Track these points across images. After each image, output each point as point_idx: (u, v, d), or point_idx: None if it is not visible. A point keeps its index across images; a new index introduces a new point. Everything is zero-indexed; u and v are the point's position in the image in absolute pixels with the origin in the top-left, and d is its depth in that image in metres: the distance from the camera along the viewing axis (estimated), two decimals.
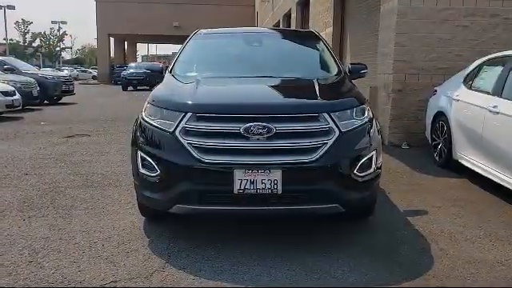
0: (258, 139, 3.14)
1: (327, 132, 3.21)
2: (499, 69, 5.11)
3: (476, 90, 5.44)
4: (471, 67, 5.89)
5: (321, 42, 4.83)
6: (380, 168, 3.54)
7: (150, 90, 17.64)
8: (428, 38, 7.48)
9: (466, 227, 3.87)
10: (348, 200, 3.29)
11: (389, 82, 7.63)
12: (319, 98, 3.45)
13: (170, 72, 4.29)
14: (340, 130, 3.23)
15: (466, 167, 5.38)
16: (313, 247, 3.41)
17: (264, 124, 3.14)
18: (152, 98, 3.60)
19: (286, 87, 3.94)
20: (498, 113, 4.65)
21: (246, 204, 3.18)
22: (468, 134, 5.28)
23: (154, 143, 3.38)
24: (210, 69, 4.35)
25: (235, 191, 3.13)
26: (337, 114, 3.27)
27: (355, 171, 3.27)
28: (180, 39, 45.88)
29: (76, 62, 79.22)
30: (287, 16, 21.47)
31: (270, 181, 3.11)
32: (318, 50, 4.74)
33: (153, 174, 3.33)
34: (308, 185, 3.19)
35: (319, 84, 3.72)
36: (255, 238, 3.59)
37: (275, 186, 3.11)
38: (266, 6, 30.49)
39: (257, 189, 3.11)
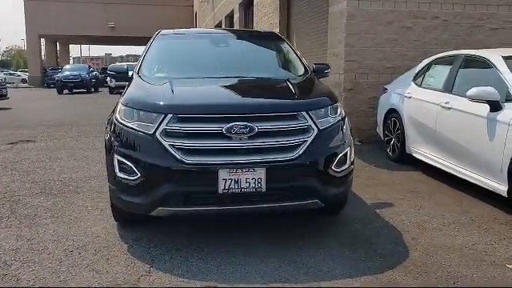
0: (240, 139, 3.17)
1: (306, 130, 3.31)
2: (448, 67, 5.46)
3: (427, 88, 5.77)
4: (420, 66, 6.24)
5: (285, 43, 4.93)
6: (353, 163, 3.68)
7: (88, 93, 17.36)
8: (376, 39, 7.81)
9: (430, 216, 4.11)
10: (327, 195, 3.40)
11: (340, 81, 7.89)
12: (296, 96, 3.54)
13: (138, 73, 4.21)
14: (318, 128, 3.34)
15: (419, 160, 5.70)
16: (294, 242, 3.49)
17: (246, 123, 3.17)
18: (126, 100, 3.53)
19: (262, 87, 4.00)
20: (450, 108, 4.96)
21: (230, 203, 3.20)
22: (421, 129, 5.60)
23: (133, 146, 3.31)
24: (179, 70, 4.31)
25: (220, 191, 3.14)
26: (314, 112, 3.37)
27: (333, 167, 3.38)
28: (116, 40, 44.40)
29: (2, 65, 74.80)
30: (229, 17, 21.54)
31: (254, 179, 3.15)
32: (282, 50, 4.83)
33: (132, 178, 3.27)
34: (290, 182, 3.26)
35: (292, 83, 3.81)
36: (237, 236, 3.62)
37: (259, 185, 3.16)
38: (205, 6, 30.39)
39: (241, 188, 3.15)
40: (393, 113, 6.39)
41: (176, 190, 3.18)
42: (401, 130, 6.11)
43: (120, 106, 3.53)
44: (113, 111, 3.77)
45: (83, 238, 3.65)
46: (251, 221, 3.92)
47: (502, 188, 4.09)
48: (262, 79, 4.16)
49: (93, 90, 28.38)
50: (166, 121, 3.21)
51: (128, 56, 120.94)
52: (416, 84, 6.08)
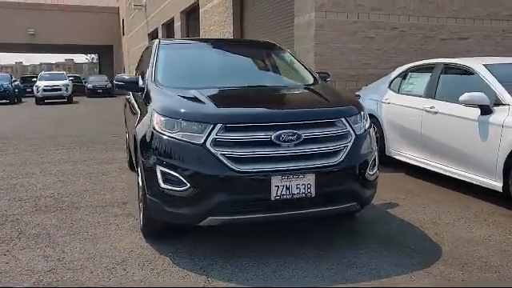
0: (287, 146, 3.26)
1: (345, 136, 3.46)
2: (427, 74, 5.89)
3: (406, 94, 6.18)
4: (395, 74, 6.65)
5: (286, 52, 5.07)
6: (378, 167, 3.90)
7: (11, 103, 16.35)
8: (342, 48, 8.20)
9: (438, 213, 4.42)
10: (364, 198, 3.59)
11: None
12: (332, 104, 3.70)
13: (155, 83, 4.13)
14: (355, 134, 3.51)
15: (400, 162, 6.08)
16: (332, 245, 3.62)
17: (293, 131, 3.27)
18: (164, 111, 3.46)
19: (293, 95, 4.10)
20: (436, 112, 5.37)
21: (282, 210, 3.27)
22: (403, 132, 5.98)
23: (180, 157, 3.28)
24: (199, 80, 4.28)
25: (272, 198, 3.21)
26: (351, 118, 3.55)
27: (368, 171, 3.57)
28: (37, 47, 41.64)
29: None
30: (167, 25, 21.31)
31: (304, 185, 3.25)
32: (286, 59, 4.97)
33: (181, 189, 3.23)
34: (335, 186, 3.40)
35: (318, 91, 3.96)
36: (273, 243, 3.68)
37: (309, 190, 3.26)
38: (136, 13, 29.72)
39: (292, 194, 3.23)
40: (370, 118, 6.72)
41: (228, 199, 3.20)
42: (379, 133, 6.46)
43: (158, 116, 3.46)
44: (126, 125, 3.73)
45: (117, 253, 3.53)
46: (279, 228, 3.99)
47: (497, 184, 4.51)
48: (284, 87, 4.28)
49: (16, 100, 26.65)
50: (215, 130, 3.22)
51: (41, 64, 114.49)
52: (393, 90, 6.47)
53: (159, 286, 2.79)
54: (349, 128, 3.49)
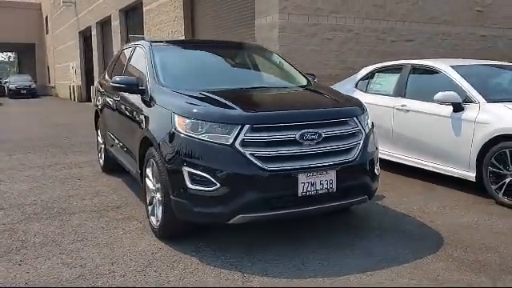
0: (309, 144, 3.45)
1: (358, 134, 3.71)
2: (395, 75, 6.33)
3: (374, 93, 6.58)
4: (361, 74, 7.05)
5: (275, 54, 5.25)
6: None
7: None
8: (303, 50, 8.52)
9: (424, 203, 4.81)
10: (372, 191, 3.86)
11: None
12: (343, 104, 3.92)
13: (160, 85, 4.13)
14: (365, 132, 3.77)
15: None
16: (349, 237, 3.86)
17: (315, 130, 3.46)
18: (187, 113, 3.50)
19: (304, 96, 4.28)
20: (408, 110, 5.80)
21: (307, 205, 3.45)
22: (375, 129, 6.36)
23: (208, 157, 3.35)
24: (201, 82, 4.33)
25: (299, 194, 3.38)
26: (361, 117, 3.80)
27: (375, 166, 3.85)
28: None
29: None
30: (103, 23, 20.63)
31: (326, 181, 3.45)
32: (276, 61, 5.14)
33: (210, 189, 3.31)
34: (352, 181, 3.63)
35: (322, 92, 4.17)
36: (294, 238, 3.85)
37: (331, 185, 3.47)
38: (62, 10, 28.37)
39: (316, 190, 3.42)
40: None
41: (257, 197, 3.32)
42: None
43: (180, 118, 3.49)
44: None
45: (140, 256, 3.52)
46: (288, 224, 4.17)
47: (471, 175, 5.00)
48: (286, 88, 4.45)
49: None
50: (243, 131, 3.32)
51: None
52: (360, 90, 6.86)
53: (163, 286, 2.84)
54: (360, 126, 3.74)
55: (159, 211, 3.78)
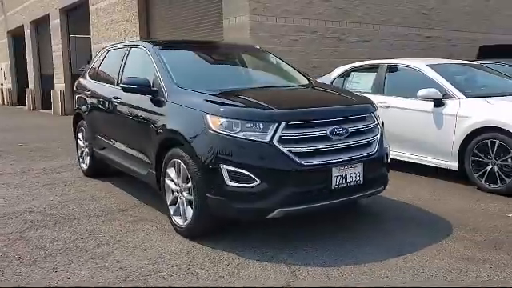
0: (338, 139, 3.66)
1: (375, 129, 3.97)
2: (372, 74, 6.71)
3: (352, 91, 6.91)
4: (336, 74, 7.37)
5: (271, 55, 5.40)
6: None
7: None
8: (272, 50, 8.63)
9: (417, 192, 5.18)
10: (387, 181, 4.14)
11: None
12: (360, 101, 4.16)
13: (177, 86, 4.14)
14: (380, 127, 4.04)
15: None
16: (362, 226, 4.11)
17: (342, 126, 3.68)
18: (223, 113, 3.56)
19: (324, 94, 4.47)
20: (388, 107, 6.19)
21: (338, 197, 3.65)
22: None
23: (247, 155, 3.44)
24: (215, 82, 4.40)
25: (333, 187, 3.57)
26: (375, 113, 4.06)
27: (388, 158, 4.14)
28: None
29: None
30: (38, 22, 19.58)
31: (355, 174, 3.68)
32: (276, 61, 5.30)
33: (250, 185, 3.41)
34: (374, 173, 3.88)
35: (334, 90, 4.39)
36: (320, 230, 4.04)
37: (359, 178, 3.70)
38: None
39: (347, 182, 3.64)
40: None
41: (296, 191, 3.47)
42: None
43: (214, 118, 3.54)
44: (155, 128, 3.88)
45: (178, 256, 3.53)
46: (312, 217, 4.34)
47: (453, 164, 5.46)
48: (300, 87, 4.64)
49: None
50: (280, 128, 3.46)
51: None
52: None
53: (178, 286, 2.96)
54: (376, 122, 4.00)
55: (187, 210, 3.81)
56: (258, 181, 3.40)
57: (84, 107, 6.01)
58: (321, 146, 3.57)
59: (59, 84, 17.08)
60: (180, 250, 3.66)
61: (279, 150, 3.43)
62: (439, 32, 11.86)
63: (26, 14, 20.32)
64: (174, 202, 4.03)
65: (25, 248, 3.76)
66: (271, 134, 3.45)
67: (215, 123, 3.55)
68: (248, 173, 3.41)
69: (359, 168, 3.70)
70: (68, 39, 17.09)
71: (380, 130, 4.02)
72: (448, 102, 5.58)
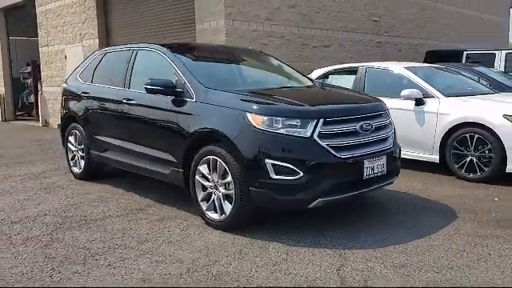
0: (365, 134, 4.03)
1: (389, 125, 4.40)
2: (351, 76, 7.19)
3: None
4: (314, 76, 7.78)
5: (271, 58, 5.69)
6: None
7: None
8: None
9: (409, 183, 5.68)
10: (399, 172, 4.57)
11: None
12: (374, 99, 4.56)
13: (205, 86, 4.30)
14: (392, 123, 4.47)
15: None
16: (376, 216, 4.51)
17: (368, 121, 4.06)
18: (264, 111, 3.80)
19: (344, 94, 4.81)
20: None
21: (369, 186, 4.03)
22: None
23: (290, 149, 3.71)
24: (236, 82, 4.64)
25: (364, 177, 3.94)
26: (388, 111, 4.49)
27: (400, 151, 4.57)
28: None
29: None
30: None
31: (380, 165, 4.07)
32: (278, 64, 5.58)
33: (294, 177, 3.68)
34: (392, 164, 4.29)
35: (347, 90, 4.77)
36: (352, 219, 4.38)
37: (383, 169, 4.10)
38: None
39: (374, 173, 4.02)
40: None
41: (334, 182, 3.80)
42: None
43: (257, 116, 3.77)
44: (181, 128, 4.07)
45: (225, 247, 3.71)
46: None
47: (435, 157, 6.05)
48: (312, 87, 4.96)
49: None
50: (319, 124, 3.77)
51: None
52: None
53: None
54: (390, 119, 4.43)
55: (225, 205, 4.00)
56: (301, 173, 3.68)
57: (79, 110, 5.93)
58: (352, 141, 3.92)
59: None
60: (223, 242, 3.84)
61: (319, 144, 3.74)
62: (387, 38, 12.74)
63: None
64: (206, 198, 4.19)
65: (65, 249, 3.76)
66: (311, 129, 3.74)
67: (257, 121, 3.78)
68: (292, 166, 3.67)
69: (383, 160, 4.09)
70: (7, 41, 16.22)
71: (393, 126, 4.44)
72: (428, 101, 6.16)
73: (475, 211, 4.56)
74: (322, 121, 3.79)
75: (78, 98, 5.99)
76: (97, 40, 11.68)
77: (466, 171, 5.80)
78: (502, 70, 10.38)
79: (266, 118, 3.78)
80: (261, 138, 3.74)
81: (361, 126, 3.98)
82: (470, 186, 5.56)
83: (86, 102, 5.81)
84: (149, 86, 4.45)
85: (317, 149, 3.73)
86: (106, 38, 11.77)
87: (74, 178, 6.23)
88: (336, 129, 3.86)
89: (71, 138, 6.20)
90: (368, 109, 4.22)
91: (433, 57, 11.53)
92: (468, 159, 5.78)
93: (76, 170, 6.20)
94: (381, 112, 4.33)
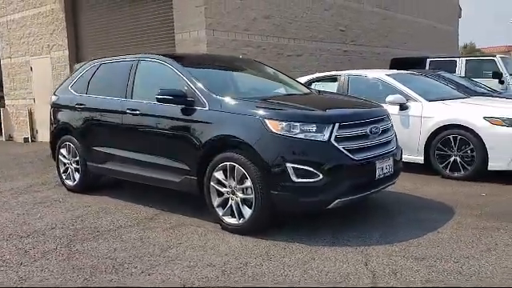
0: (375, 137, 4.28)
1: (391, 128, 4.67)
2: (335, 83, 7.48)
3: None
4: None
5: (267, 66, 5.88)
6: None
7: None
8: None
9: (399, 184, 5.94)
10: (400, 172, 4.84)
11: None
12: (376, 104, 4.82)
13: (216, 95, 4.41)
14: (393, 126, 4.75)
15: None
16: (397, 214, 4.77)
17: (377, 125, 4.31)
18: (282, 117, 3.96)
19: (349, 99, 5.05)
20: None
21: (380, 185, 4.28)
22: None
23: (309, 153, 3.89)
24: (245, 90, 4.79)
25: (376, 177, 4.18)
26: (389, 115, 4.77)
27: (402, 153, 4.85)
28: None
29: None
30: None
31: (388, 166, 4.33)
32: (274, 72, 5.76)
33: (314, 180, 3.86)
34: (396, 164, 4.55)
35: (348, 96, 5.02)
36: (362, 220, 4.59)
37: (390, 169, 4.36)
38: None
39: (384, 173, 4.27)
40: None
41: (352, 183, 4.01)
42: None
43: (275, 122, 3.93)
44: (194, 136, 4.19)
45: (250, 250, 3.81)
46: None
47: (420, 158, 6.41)
48: (309, 93, 5.19)
49: None
50: (335, 129, 3.97)
51: None
52: None
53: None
54: (391, 123, 4.70)
55: (244, 209, 4.12)
56: (321, 176, 3.86)
57: (73, 121, 5.86)
58: (364, 143, 4.15)
59: None
60: (246, 245, 3.95)
61: (336, 147, 3.94)
62: (353, 47, 13.24)
63: None
64: (222, 204, 4.28)
65: (90, 259, 3.76)
66: (328, 133, 3.94)
67: (275, 126, 3.94)
68: (312, 169, 3.85)
69: (391, 160, 4.35)
70: None
71: (394, 129, 4.72)
72: (411, 105, 6.53)
73: (470, 207, 4.89)
74: (337, 125, 3.99)
75: (71, 109, 5.92)
76: (66, 51, 11.47)
77: (450, 170, 6.18)
78: (463, 75, 11.05)
79: (284, 123, 3.94)
80: (280, 143, 3.90)
81: (370, 130, 4.22)
82: (457, 184, 5.94)
83: (81, 114, 5.75)
84: (160, 96, 4.50)
85: (335, 152, 3.93)
86: (76, 49, 11.57)
87: (67, 191, 6.13)
88: (349, 132, 4.08)
89: (63, 151, 6.10)
90: (374, 113, 4.47)
91: (398, 64, 12.08)
92: (452, 159, 6.17)
93: (69, 182, 6.10)
94: (384, 116, 4.59)
